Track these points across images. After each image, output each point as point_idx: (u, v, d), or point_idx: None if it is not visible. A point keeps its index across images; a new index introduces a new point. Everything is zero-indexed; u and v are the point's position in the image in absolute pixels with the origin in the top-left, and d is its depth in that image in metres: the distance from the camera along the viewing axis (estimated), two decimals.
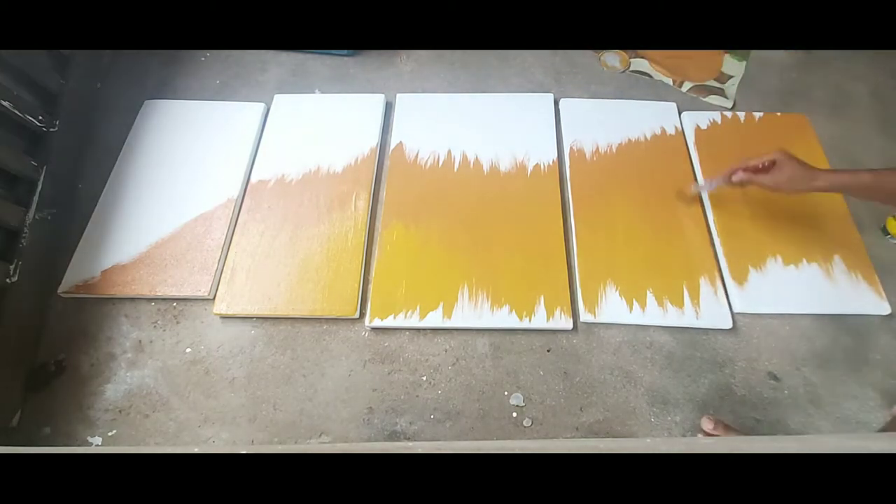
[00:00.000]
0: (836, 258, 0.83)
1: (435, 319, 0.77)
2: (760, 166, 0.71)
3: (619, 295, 0.79)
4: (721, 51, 1.12)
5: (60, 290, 0.80)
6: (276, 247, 0.84)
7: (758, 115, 1.00)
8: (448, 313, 0.78)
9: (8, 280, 0.75)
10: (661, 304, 0.79)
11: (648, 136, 0.96)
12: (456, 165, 0.93)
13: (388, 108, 1.02)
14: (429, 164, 0.93)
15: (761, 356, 0.77)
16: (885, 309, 0.79)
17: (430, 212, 0.87)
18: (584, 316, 0.78)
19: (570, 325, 0.77)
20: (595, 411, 0.73)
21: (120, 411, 0.73)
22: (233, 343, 0.79)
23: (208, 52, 1.11)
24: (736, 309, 0.79)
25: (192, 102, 1.02)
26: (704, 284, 0.80)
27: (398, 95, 1.02)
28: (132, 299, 0.82)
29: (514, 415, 0.73)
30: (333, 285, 0.80)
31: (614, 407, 0.73)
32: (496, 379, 0.75)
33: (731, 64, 1.10)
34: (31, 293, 0.79)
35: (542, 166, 0.92)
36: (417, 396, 0.74)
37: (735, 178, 0.72)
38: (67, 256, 0.83)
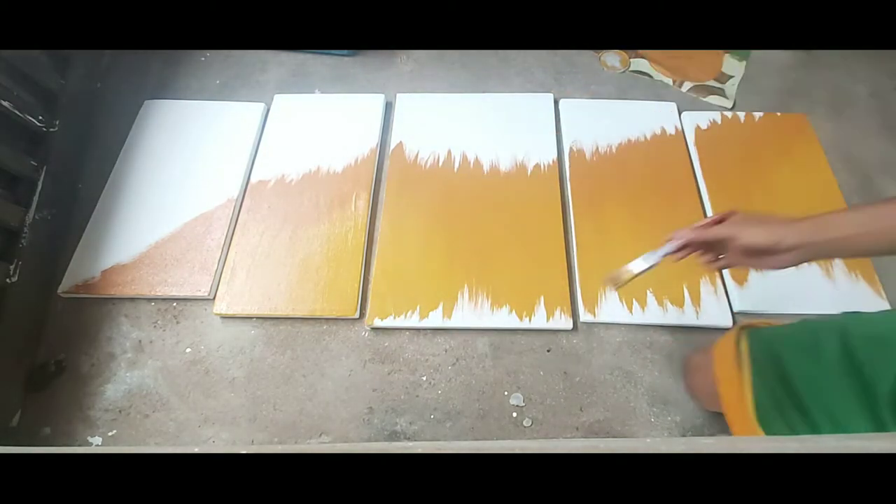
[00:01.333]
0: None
1: (435, 319, 0.77)
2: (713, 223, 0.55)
3: (619, 295, 0.79)
4: (721, 51, 1.12)
5: (60, 290, 0.80)
6: (276, 247, 0.84)
7: (758, 115, 1.00)
8: (448, 313, 0.78)
9: (8, 280, 0.75)
10: (661, 303, 0.79)
11: (648, 136, 0.96)
12: (456, 165, 0.93)
13: (388, 108, 1.02)
14: (429, 164, 0.93)
15: None
16: (885, 308, 0.79)
17: (429, 212, 0.87)
18: (584, 316, 0.78)
19: (570, 325, 0.77)
20: (595, 411, 0.73)
21: (120, 411, 0.74)
22: (233, 343, 0.79)
23: (208, 52, 1.11)
24: (736, 308, 0.79)
25: (192, 102, 1.02)
26: (704, 284, 0.80)
27: (398, 95, 1.02)
28: (132, 299, 0.82)
29: (514, 415, 0.73)
30: (333, 285, 0.80)
31: (614, 407, 0.73)
32: (496, 379, 0.75)
33: (731, 64, 1.10)
34: (31, 293, 0.79)
35: (542, 166, 0.92)
36: (417, 396, 0.74)
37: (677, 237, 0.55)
38: (67, 256, 0.83)
